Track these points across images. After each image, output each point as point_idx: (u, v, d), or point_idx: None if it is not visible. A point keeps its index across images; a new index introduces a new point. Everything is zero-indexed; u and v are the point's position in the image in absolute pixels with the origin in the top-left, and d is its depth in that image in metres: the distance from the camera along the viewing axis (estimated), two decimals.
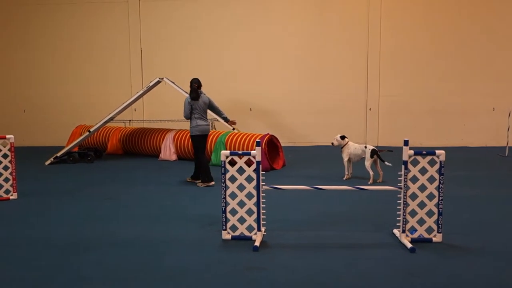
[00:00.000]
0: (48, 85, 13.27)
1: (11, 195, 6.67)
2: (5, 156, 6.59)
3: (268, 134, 9.02)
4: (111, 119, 10.49)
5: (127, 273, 3.95)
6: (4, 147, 6.59)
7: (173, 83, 10.33)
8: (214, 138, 9.57)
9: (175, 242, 4.71)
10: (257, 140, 4.63)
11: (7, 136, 6.59)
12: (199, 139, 7.47)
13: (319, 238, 4.76)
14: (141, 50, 12.91)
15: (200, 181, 7.55)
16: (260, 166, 4.60)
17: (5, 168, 6.62)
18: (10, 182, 6.65)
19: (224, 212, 4.69)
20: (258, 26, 12.38)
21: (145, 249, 4.51)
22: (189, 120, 7.56)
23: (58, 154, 9.97)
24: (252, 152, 4.61)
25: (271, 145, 9.10)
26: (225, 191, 4.66)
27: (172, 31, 12.71)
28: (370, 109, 12.23)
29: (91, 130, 10.28)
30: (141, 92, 10.53)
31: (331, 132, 12.31)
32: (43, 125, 13.24)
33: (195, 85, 7.50)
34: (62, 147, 10.56)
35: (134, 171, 9.05)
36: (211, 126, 10.93)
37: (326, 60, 12.28)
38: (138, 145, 10.99)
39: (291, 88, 12.42)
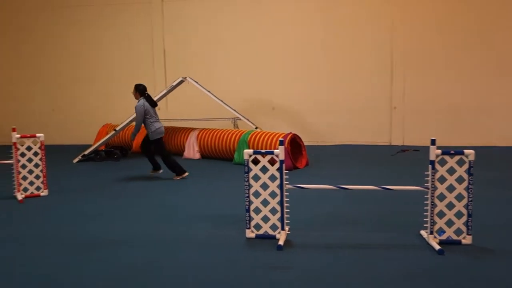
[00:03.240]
0: (75, 85, 13.54)
1: (42, 192, 6.86)
2: (35, 154, 6.78)
3: (291, 133, 9.01)
4: None
5: (154, 270, 4.02)
6: (35, 145, 6.78)
7: (196, 82, 10.41)
8: (237, 137, 9.61)
9: (198, 240, 4.76)
10: (280, 139, 4.65)
11: (37, 135, 6.78)
12: (161, 141, 7.93)
13: (344, 238, 4.75)
14: (164, 50, 13.05)
15: (180, 174, 7.98)
16: (284, 165, 4.61)
17: (36, 165, 6.80)
18: (41, 179, 6.84)
19: (248, 210, 4.72)
20: (281, 24, 12.36)
21: (170, 247, 4.58)
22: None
23: (86, 152, 10.18)
24: (275, 151, 4.62)
25: (294, 144, 9.10)
26: (248, 190, 4.69)
27: (195, 30, 12.80)
28: (395, 108, 12.08)
29: (117, 129, 10.45)
30: (164, 91, 10.66)
31: (355, 131, 12.27)
32: (71, 124, 13.52)
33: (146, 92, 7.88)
34: (90, 146, 10.78)
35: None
36: (234, 125, 11.00)
37: (350, 58, 12.17)
38: None
39: (314, 87, 12.37)
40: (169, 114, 12.69)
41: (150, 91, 12.61)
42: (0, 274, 3.99)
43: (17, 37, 13.69)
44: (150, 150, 8.02)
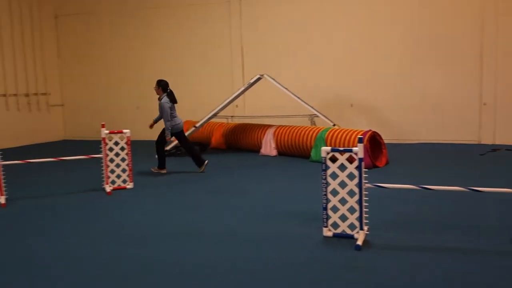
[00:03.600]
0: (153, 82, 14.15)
1: (128, 185, 7.25)
2: (122, 149, 7.18)
3: (370, 130, 8.76)
4: (215, 115, 10.92)
5: (228, 264, 4.09)
6: (122, 140, 7.17)
7: (273, 79, 10.45)
8: (314, 134, 9.52)
9: (274, 237, 4.77)
10: (359, 136, 4.53)
11: (124, 131, 7.17)
12: (181, 134, 8.53)
13: (427, 241, 4.52)
14: (242, 48, 13.23)
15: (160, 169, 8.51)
16: (363, 163, 4.48)
17: (123, 160, 7.21)
18: (127, 173, 7.23)
19: (325, 209, 4.66)
20: (361, 19, 12.03)
21: (246, 243, 4.63)
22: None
23: (168, 148, 10.61)
24: (354, 148, 4.51)
25: (374, 142, 8.83)
26: (326, 187, 4.63)
27: (272, 27, 12.84)
28: (484, 104, 11.29)
29: (197, 125, 10.80)
30: (242, 89, 10.82)
31: (440, 128, 11.63)
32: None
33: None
34: (171, 142, 11.21)
35: (236, 165, 9.33)
36: (311, 122, 10.90)
37: (434, 52, 11.55)
38: (240, 140, 11.31)
39: (395, 82, 11.90)
40: (246, 111, 12.87)
41: (228, 89, 13.05)
42: (112, 261, 4.27)
43: (106, 39, 14.57)
44: (162, 144, 8.47)
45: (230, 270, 3.94)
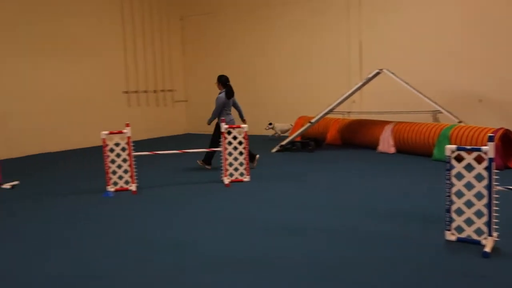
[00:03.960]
0: (274, 79, 14.41)
1: (245, 178, 7.52)
2: (240, 143, 7.45)
3: (502, 128, 7.98)
4: (331, 110, 10.81)
5: (336, 260, 4.03)
6: (239, 135, 7.45)
7: (393, 74, 10.02)
8: (437, 131, 8.95)
9: (392, 237, 4.59)
10: (489, 134, 4.15)
11: (242, 126, 7.43)
12: (219, 130, 8.02)
13: None
14: (361, 42, 12.89)
15: (206, 164, 8.62)
16: (493, 163, 4.10)
17: (240, 153, 7.48)
18: (244, 166, 7.50)
19: (449, 211, 4.36)
20: (489, 8, 10.97)
21: (364, 241, 4.52)
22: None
23: (283, 143, 10.79)
24: (483, 147, 4.14)
25: (506, 141, 8.04)
26: (450, 188, 4.32)
27: (392, 21, 12.30)
28: None
29: (312, 121, 10.79)
30: (360, 84, 10.55)
31: None
32: (269, 116, 14.46)
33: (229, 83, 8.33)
34: (286, 137, 11.38)
35: (352, 162, 9.14)
36: (434, 119, 10.26)
37: None
38: (356, 137, 11.06)
39: None
40: (363, 107, 12.53)
41: (344, 84, 12.84)
42: (234, 249, 4.51)
43: (227, 37, 15.21)
44: (217, 140, 8.22)
45: (340, 266, 3.88)
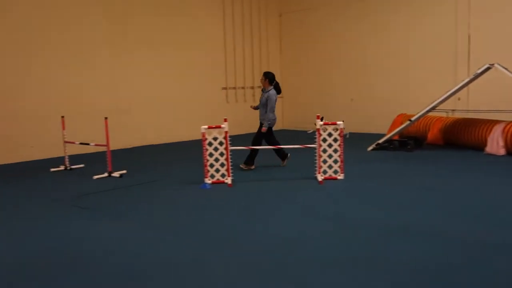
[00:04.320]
0: (373, 75, 13.99)
1: (339, 175, 7.40)
2: (335, 140, 7.34)
3: None
4: (433, 108, 10.23)
5: (444, 266, 3.80)
6: (335, 132, 7.34)
7: (506, 69, 9.21)
8: None
9: (504, 248, 4.23)
10: None
11: (338, 123, 7.31)
12: (270, 130, 8.20)
13: None
14: (469, 36, 12.02)
15: (249, 165, 8.33)
16: None
17: (335, 151, 7.37)
18: (338, 164, 7.38)
19: None
20: None
21: (475, 250, 4.23)
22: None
23: (380, 141, 10.44)
24: None
25: None
26: None
27: (506, 9, 11.30)
28: None
29: (412, 119, 10.30)
30: (467, 80, 9.85)
31: None
32: (367, 113, 14.09)
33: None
34: (383, 135, 11.00)
35: (455, 163, 8.59)
36: None
37: None
38: (461, 137, 10.36)
39: None
40: (470, 104, 11.70)
41: (449, 80, 12.07)
42: (330, 248, 4.51)
43: (325, 33, 15.05)
44: (275, 140, 8.28)
45: (460, 277, 3.66)
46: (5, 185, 7.63)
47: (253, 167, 8.41)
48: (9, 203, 6.42)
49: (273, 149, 8.32)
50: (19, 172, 8.85)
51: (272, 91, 8.12)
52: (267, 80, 8.14)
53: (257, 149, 8.20)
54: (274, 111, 8.18)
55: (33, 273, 3.94)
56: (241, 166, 8.34)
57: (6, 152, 9.84)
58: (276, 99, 8.15)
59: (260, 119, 8.29)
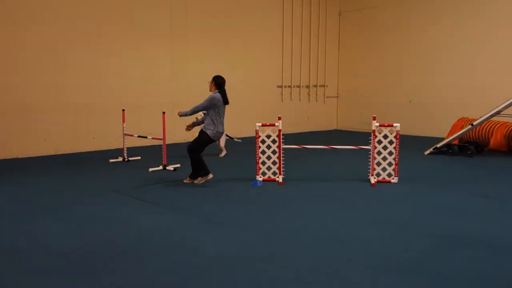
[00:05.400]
0: (433, 76, 13.51)
1: (392, 179, 7.22)
2: (391, 142, 7.17)
3: None
4: (498, 113, 9.72)
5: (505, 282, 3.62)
6: (391, 134, 7.16)
7: None
8: None
9: None
10: None
11: (394, 124, 7.12)
12: (210, 142, 7.05)
13: None
14: None
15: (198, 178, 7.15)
16: None
17: (390, 153, 7.20)
18: (393, 167, 7.20)
19: None
20: None
21: None
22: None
23: (438, 145, 10.07)
24: None
25: None
26: None
27: None
28: None
29: (474, 123, 9.85)
30: None
31: None
32: (426, 115, 13.63)
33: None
34: (442, 139, 10.59)
35: None
36: None
37: None
38: None
39: None
40: None
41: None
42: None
43: (385, 33, 14.69)
44: (200, 151, 7.03)
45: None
46: (67, 173, 8.06)
47: (210, 175, 7.11)
48: (69, 191, 6.77)
49: (191, 162, 7.10)
50: (81, 161, 9.32)
51: (216, 94, 6.94)
52: (213, 83, 7.04)
53: (200, 158, 7.03)
54: (221, 122, 7.00)
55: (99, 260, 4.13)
56: (195, 182, 7.17)
57: (69, 142, 10.40)
58: (214, 104, 6.86)
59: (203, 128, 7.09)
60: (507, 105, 9.52)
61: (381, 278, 3.67)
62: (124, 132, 9.27)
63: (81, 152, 10.42)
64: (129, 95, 11.16)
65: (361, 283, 3.60)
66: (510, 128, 10.37)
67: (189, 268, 3.89)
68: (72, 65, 10.37)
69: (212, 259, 4.09)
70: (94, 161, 9.31)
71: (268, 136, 7.30)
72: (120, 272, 3.81)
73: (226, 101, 7.01)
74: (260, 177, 7.34)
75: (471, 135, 10.99)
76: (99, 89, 10.79)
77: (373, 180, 7.16)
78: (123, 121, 9.33)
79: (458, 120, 11.60)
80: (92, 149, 10.69)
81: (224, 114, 7.05)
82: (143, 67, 11.46)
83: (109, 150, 10.63)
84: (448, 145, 10.04)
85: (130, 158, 9.27)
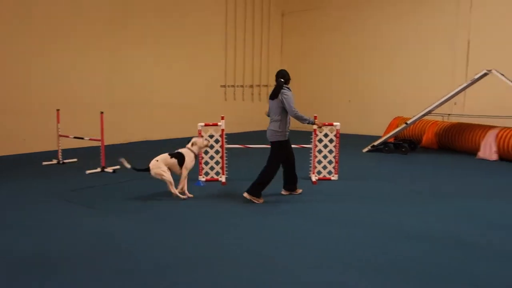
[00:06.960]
0: (371, 77, 14.01)
1: (332, 176, 7.41)
2: (331, 141, 7.35)
3: None
4: (429, 112, 10.26)
5: (468, 275, 3.80)
6: (331, 133, 7.34)
7: (503, 75, 9.25)
8: None
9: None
10: None
11: (334, 123, 7.31)
12: (286, 144, 6.14)
13: None
14: (469, 41, 12.05)
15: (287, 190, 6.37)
16: None
17: (330, 151, 7.38)
18: (333, 165, 7.39)
19: None
20: None
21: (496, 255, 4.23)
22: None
23: (375, 143, 10.46)
24: None
25: None
26: None
27: (506, 15, 11.34)
28: None
29: (408, 122, 10.32)
30: (464, 85, 9.89)
31: None
32: (364, 115, 14.12)
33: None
34: (379, 137, 11.02)
35: (449, 168, 8.62)
36: None
37: None
38: (455, 141, 10.40)
39: None
40: (466, 109, 11.75)
41: (447, 85, 12.09)
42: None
43: (328, 34, 15.05)
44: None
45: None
46: None
47: (261, 200, 6.06)
48: (2, 196, 6.38)
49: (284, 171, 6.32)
50: (11, 164, 8.79)
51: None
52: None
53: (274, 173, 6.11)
54: (288, 121, 6.28)
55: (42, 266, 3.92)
56: (246, 195, 6.08)
57: None
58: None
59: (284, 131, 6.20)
60: (437, 105, 10.06)
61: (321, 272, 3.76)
62: (59, 133, 8.86)
63: (11, 155, 9.76)
64: (64, 95, 10.66)
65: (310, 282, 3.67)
66: (440, 127, 10.96)
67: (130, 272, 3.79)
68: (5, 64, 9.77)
69: (151, 259, 4.01)
70: (26, 164, 8.81)
71: (211, 136, 7.26)
72: (61, 280, 3.65)
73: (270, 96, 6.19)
74: (203, 177, 7.29)
75: (405, 134, 11.52)
76: (29, 89, 10.15)
77: (314, 177, 7.31)
78: (58, 122, 8.90)
79: (394, 119, 12.12)
80: (23, 151, 10.04)
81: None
82: (79, 66, 10.99)
83: (42, 152, 10.06)
84: (385, 143, 10.46)
85: (65, 161, 8.87)
